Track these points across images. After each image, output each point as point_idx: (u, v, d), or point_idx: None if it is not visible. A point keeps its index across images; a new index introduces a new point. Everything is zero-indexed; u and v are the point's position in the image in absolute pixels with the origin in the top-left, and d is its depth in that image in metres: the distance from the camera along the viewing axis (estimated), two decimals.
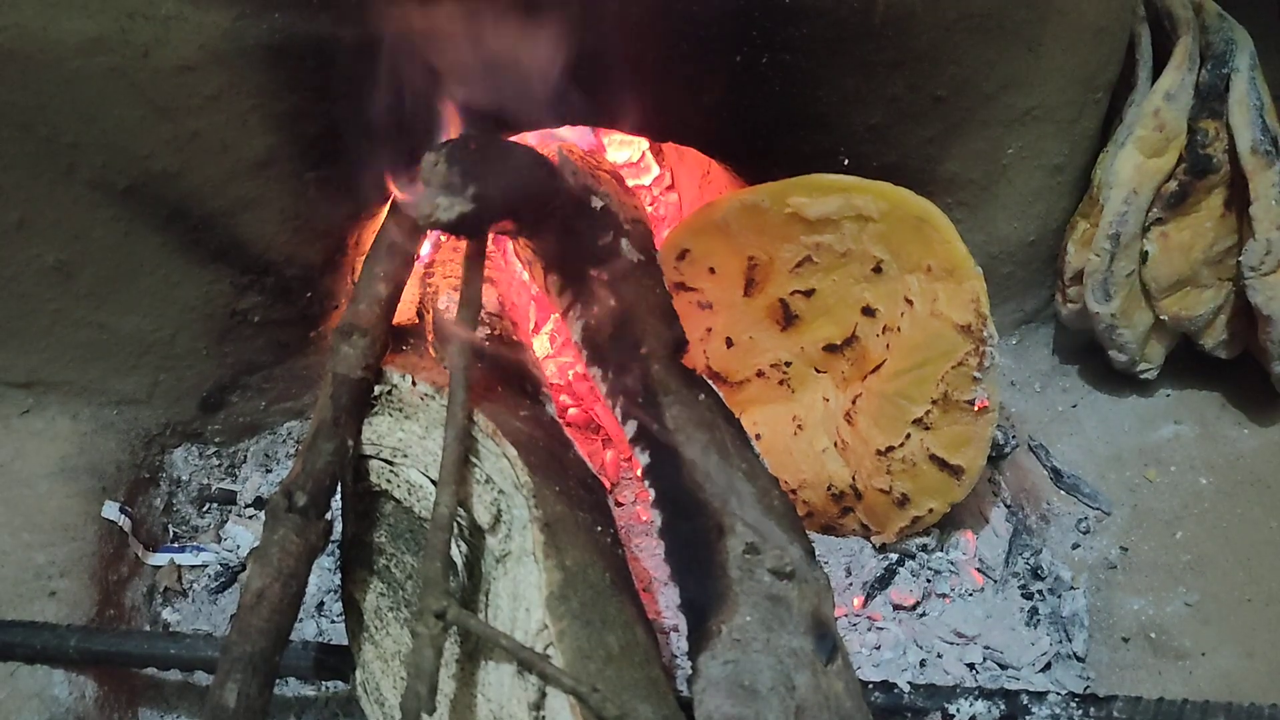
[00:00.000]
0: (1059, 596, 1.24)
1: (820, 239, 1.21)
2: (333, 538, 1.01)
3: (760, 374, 1.33)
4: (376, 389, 1.06)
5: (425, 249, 1.32)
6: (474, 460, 0.97)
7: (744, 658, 0.87)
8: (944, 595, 1.26)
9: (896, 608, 1.25)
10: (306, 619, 1.21)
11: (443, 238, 1.34)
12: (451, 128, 1.14)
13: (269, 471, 1.39)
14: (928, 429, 1.18)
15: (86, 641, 1.08)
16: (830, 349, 1.28)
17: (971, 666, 1.19)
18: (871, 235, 1.18)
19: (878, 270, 1.20)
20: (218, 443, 1.39)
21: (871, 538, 1.29)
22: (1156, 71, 1.31)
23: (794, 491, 1.30)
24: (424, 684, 0.81)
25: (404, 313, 1.19)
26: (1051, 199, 1.37)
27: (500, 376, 1.12)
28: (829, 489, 1.28)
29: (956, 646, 1.21)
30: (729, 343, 1.32)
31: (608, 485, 1.38)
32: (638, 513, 1.37)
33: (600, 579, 0.90)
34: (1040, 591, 1.25)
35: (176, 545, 1.31)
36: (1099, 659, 1.18)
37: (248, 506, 1.36)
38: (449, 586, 0.88)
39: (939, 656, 1.19)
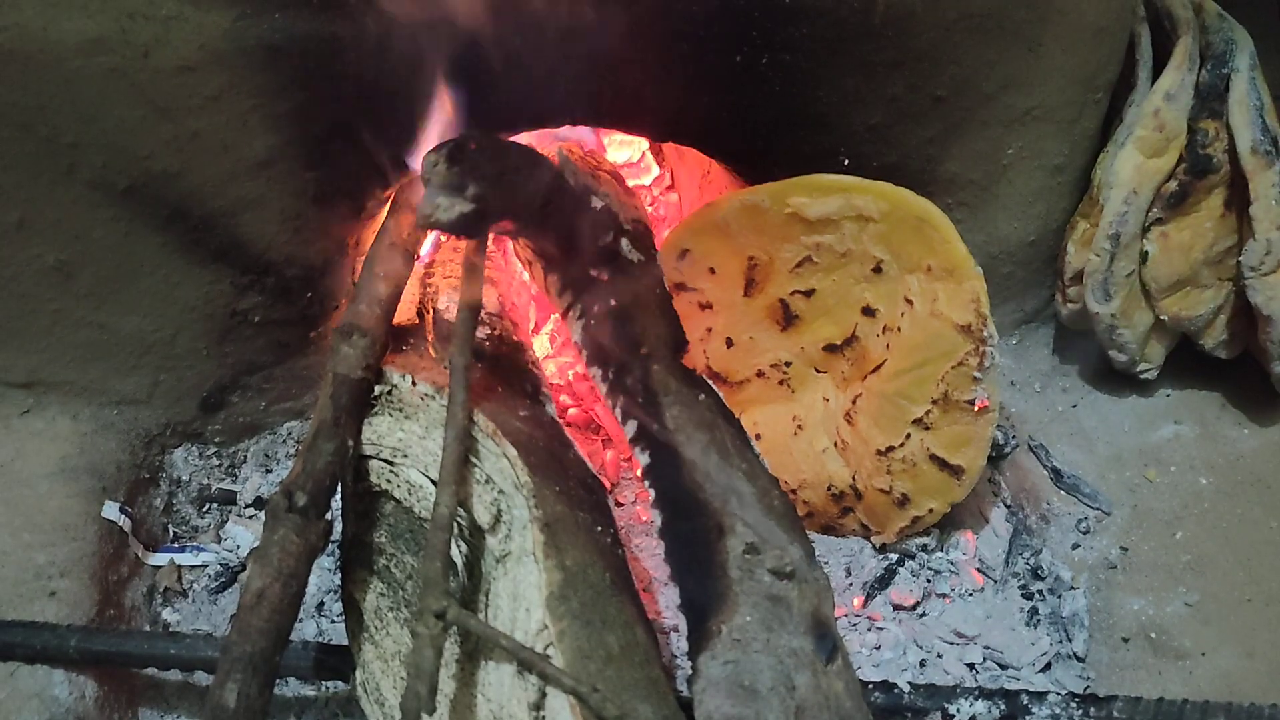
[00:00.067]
0: (1059, 596, 1.24)
1: (820, 239, 1.21)
2: (333, 538, 1.01)
3: (760, 374, 1.33)
4: (376, 389, 1.06)
5: (425, 249, 1.32)
6: (474, 460, 0.97)
7: (744, 658, 0.87)
8: (944, 595, 1.26)
9: (896, 608, 1.25)
10: (306, 619, 1.21)
11: (443, 238, 1.34)
12: (452, 128, 1.14)
13: (269, 471, 1.39)
14: (928, 429, 1.18)
15: (86, 641, 1.07)
16: (830, 349, 1.28)
17: (971, 666, 1.19)
18: (872, 235, 1.18)
19: (878, 270, 1.20)
20: (218, 443, 1.39)
21: (871, 538, 1.29)
22: (1156, 71, 1.31)
23: (794, 491, 1.30)
24: (424, 684, 0.81)
25: (404, 313, 1.19)
26: (1051, 199, 1.37)
27: (500, 376, 1.12)
28: (829, 489, 1.28)
29: (956, 646, 1.21)
30: (729, 343, 1.32)
31: (608, 485, 1.38)
32: (638, 513, 1.37)
33: (600, 579, 0.90)
34: (1040, 591, 1.25)
35: (176, 545, 1.31)
36: (1099, 659, 1.18)
37: (248, 506, 1.36)
38: (449, 586, 0.88)
39: (939, 656, 1.19)
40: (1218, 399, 1.39)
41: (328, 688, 1.16)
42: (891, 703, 1.04)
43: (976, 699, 1.04)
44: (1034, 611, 1.24)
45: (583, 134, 1.47)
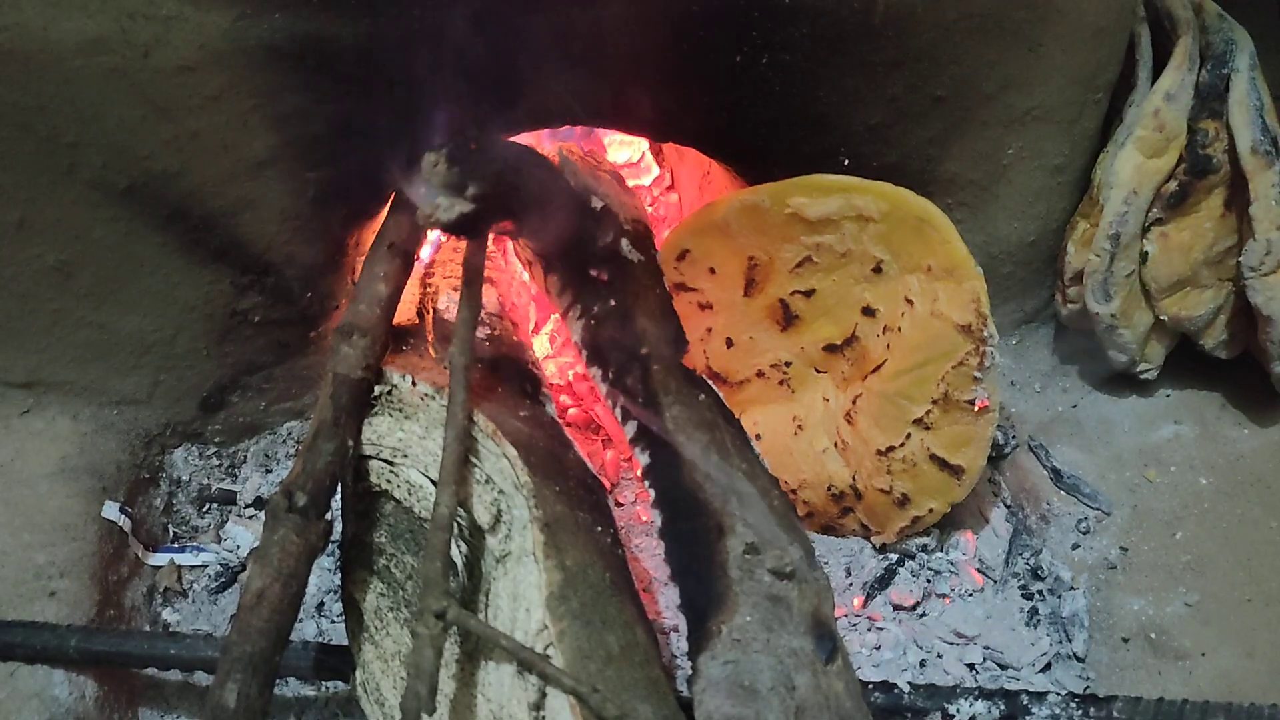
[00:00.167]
0: (1059, 597, 1.24)
1: (820, 239, 1.21)
2: (333, 538, 1.01)
3: (760, 374, 1.33)
4: (376, 389, 1.06)
5: (425, 249, 1.32)
6: (474, 460, 0.97)
7: (744, 658, 0.87)
8: (944, 595, 1.26)
9: (896, 608, 1.25)
10: (306, 619, 1.21)
11: (443, 238, 1.34)
12: (452, 128, 1.14)
13: (269, 471, 1.39)
14: (928, 429, 1.18)
15: (86, 641, 1.08)
16: (830, 349, 1.28)
17: (971, 667, 1.19)
18: (872, 235, 1.18)
19: (878, 270, 1.20)
20: (218, 443, 1.39)
21: (871, 538, 1.29)
22: (1156, 71, 1.31)
23: (794, 491, 1.30)
24: (424, 684, 0.81)
25: (404, 313, 1.19)
26: (1051, 199, 1.37)
27: (500, 376, 1.12)
28: (829, 489, 1.28)
29: (956, 647, 1.21)
30: (729, 343, 1.32)
31: (608, 485, 1.38)
32: (638, 513, 1.37)
33: (600, 579, 0.90)
34: (1040, 592, 1.25)
35: (176, 545, 1.31)
36: (1099, 659, 1.18)
37: (248, 506, 1.36)
38: (449, 586, 0.88)
39: (939, 657, 1.19)
40: (1218, 399, 1.39)
41: (328, 688, 1.16)
42: (891, 703, 1.05)
43: (976, 699, 1.04)
44: (1034, 612, 1.24)
45: (583, 134, 1.47)
